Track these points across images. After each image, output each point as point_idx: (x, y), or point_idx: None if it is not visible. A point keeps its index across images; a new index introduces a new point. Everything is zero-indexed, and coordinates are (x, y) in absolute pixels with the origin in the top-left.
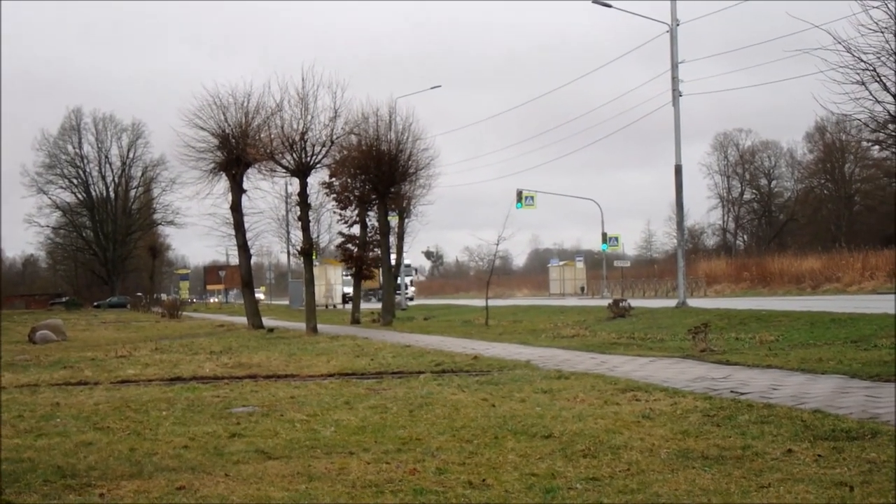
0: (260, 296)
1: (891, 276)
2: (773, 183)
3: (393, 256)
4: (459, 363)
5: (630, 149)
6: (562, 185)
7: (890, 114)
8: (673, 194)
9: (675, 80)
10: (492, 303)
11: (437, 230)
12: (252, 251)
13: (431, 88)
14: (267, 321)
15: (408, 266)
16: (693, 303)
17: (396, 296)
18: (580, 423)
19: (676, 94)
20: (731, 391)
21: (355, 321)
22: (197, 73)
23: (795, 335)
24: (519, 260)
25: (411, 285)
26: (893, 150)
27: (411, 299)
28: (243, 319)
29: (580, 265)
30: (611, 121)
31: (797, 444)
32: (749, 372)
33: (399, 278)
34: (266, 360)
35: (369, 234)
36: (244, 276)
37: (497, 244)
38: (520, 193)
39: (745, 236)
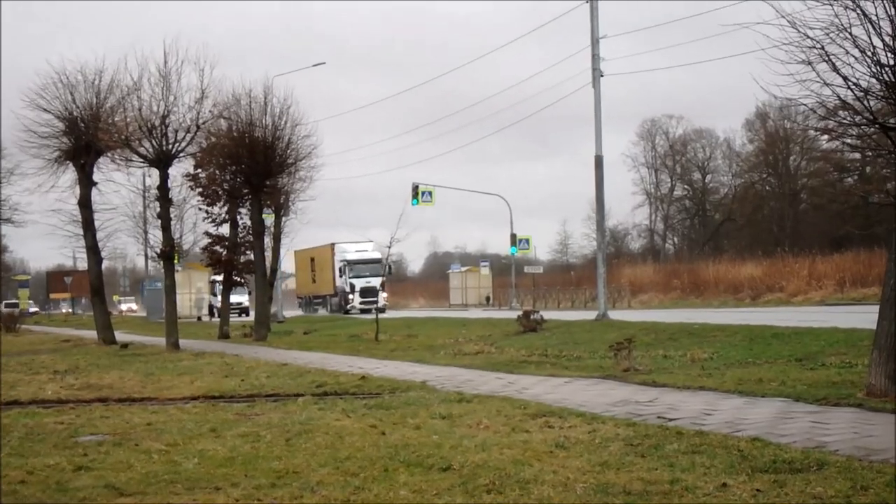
0: (132, 305)
1: (840, 285)
2: (708, 177)
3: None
4: (345, 384)
5: (543, 138)
6: (464, 180)
7: (840, 98)
8: (592, 190)
9: (595, 57)
10: (383, 314)
11: (320, 230)
12: (104, 254)
13: (314, 66)
14: (121, 335)
15: (376, 261)
16: (615, 315)
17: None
18: (484, 454)
19: (597, 73)
20: (658, 416)
21: (224, 336)
22: (41, 47)
23: (732, 352)
24: (415, 265)
25: (382, 290)
26: (844, 140)
27: (382, 310)
28: (93, 333)
29: (485, 271)
30: (520, 106)
31: (733, 478)
32: (679, 394)
33: (274, 285)
34: (119, 381)
35: (241, 235)
36: (94, 282)
37: (389, 247)
38: (416, 188)
39: (676, 239)
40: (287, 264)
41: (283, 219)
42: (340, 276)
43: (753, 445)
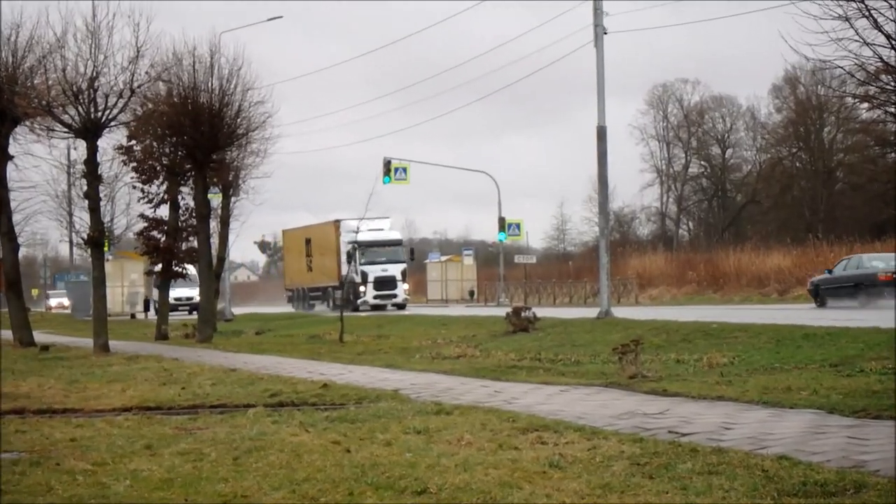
0: (63, 300)
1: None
2: (729, 152)
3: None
4: (303, 393)
5: (537, 107)
6: (445, 155)
7: (882, 60)
8: (594, 167)
9: (597, 11)
10: (350, 311)
11: (276, 213)
12: (21, 240)
13: (269, 20)
14: (41, 336)
15: (395, 244)
16: (620, 312)
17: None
18: (466, 475)
19: (600, 30)
20: (670, 431)
21: (162, 336)
22: None
23: (756, 356)
24: None
25: (403, 281)
26: (886, 108)
27: (403, 307)
28: (8, 333)
29: (469, 261)
30: (510, 69)
31: (756, 502)
32: (693, 405)
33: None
34: (38, 390)
35: (182, 218)
36: (8, 273)
37: (357, 232)
38: (388, 164)
39: (691, 224)
40: (238, 253)
41: (233, 199)
42: (348, 263)
43: (780, 465)
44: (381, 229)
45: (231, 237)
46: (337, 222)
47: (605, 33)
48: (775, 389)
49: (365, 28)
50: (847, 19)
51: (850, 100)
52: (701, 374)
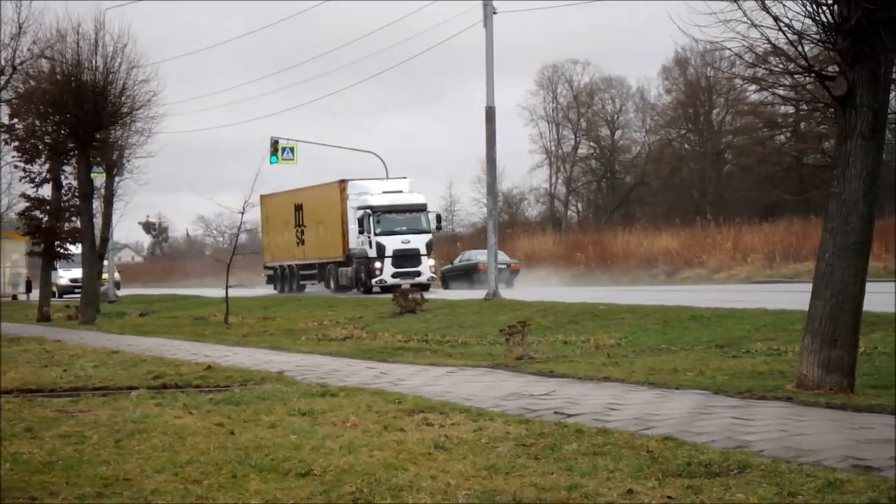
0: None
1: (769, 260)
2: (618, 133)
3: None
4: (187, 375)
5: (425, 87)
6: (333, 135)
7: (771, 42)
8: (483, 147)
9: None
10: (235, 293)
11: (162, 193)
12: None
13: None
14: None
15: (418, 209)
16: (508, 294)
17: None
18: (350, 456)
19: (489, 10)
20: (556, 412)
21: (44, 318)
22: None
23: (643, 337)
24: None
25: (428, 255)
26: (775, 91)
27: (427, 287)
28: None
29: None
30: (398, 48)
31: (641, 483)
32: (580, 386)
33: (107, 258)
34: None
35: (65, 198)
36: None
37: (243, 212)
38: (275, 144)
39: (580, 205)
40: (122, 233)
41: (117, 179)
42: (360, 233)
43: (665, 445)
44: (400, 191)
45: (115, 217)
46: (342, 182)
47: (495, 13)
48: (662, 370)
49: (254, 5)
50: (735, 0)
51: (738, 82)
52: (588, 356)
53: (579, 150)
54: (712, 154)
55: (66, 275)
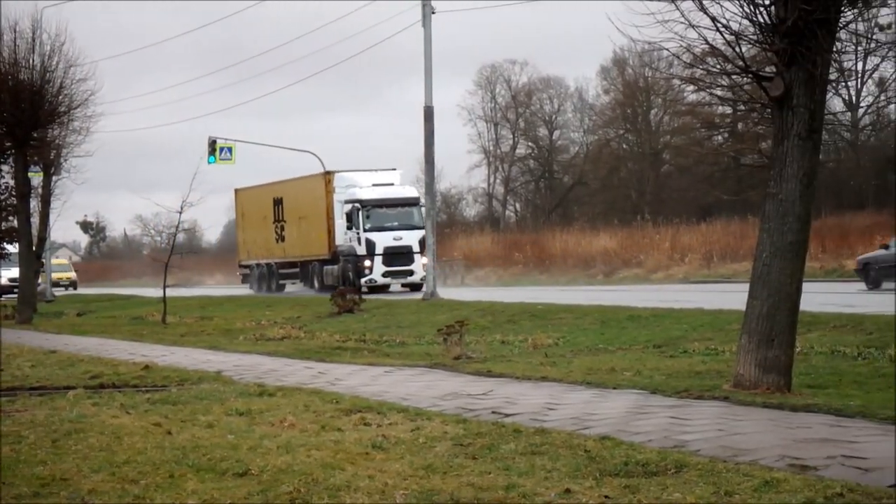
0: None
1: (707, 260)
2: (556, 133)
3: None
4: (125, 375)
5: (363, 85)
6: (271, 134)
7: (708, 43)
8: (421, 147)
9: None
10: (173, 293)
11: (99, 192)
12: None
13: None
14: None
15: (410, 203)
16: (446, 294)
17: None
18: (288, 456)
19: (428, 9)
20: (493, 412)
21: None
22: None
23: (581, 337)
24: (211, 234)
25: (421, 253)
26: (712, 91)
27: (419, 287)
28: None
29: None
30: (337, 48)
31: (578, 482)
32: (518, 386)
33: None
34: None
35: (2, 197)
36: None
37: (181, 212)
38: (213, 144)
39: (518, 205)
40: (59, 233)
41: (54, 178)
42: (349, 229)
43: (603, 445)
44: (391, 183)
45: (52, 217)
46: (328, 174)
47: (433, 13)
48: (599, 370)
49: (192, 5)
50: (673, 1)
51: (676, 82)
52: (526, 355)
53: (517, 150)
54: (650, 154)
55: (6, 274)
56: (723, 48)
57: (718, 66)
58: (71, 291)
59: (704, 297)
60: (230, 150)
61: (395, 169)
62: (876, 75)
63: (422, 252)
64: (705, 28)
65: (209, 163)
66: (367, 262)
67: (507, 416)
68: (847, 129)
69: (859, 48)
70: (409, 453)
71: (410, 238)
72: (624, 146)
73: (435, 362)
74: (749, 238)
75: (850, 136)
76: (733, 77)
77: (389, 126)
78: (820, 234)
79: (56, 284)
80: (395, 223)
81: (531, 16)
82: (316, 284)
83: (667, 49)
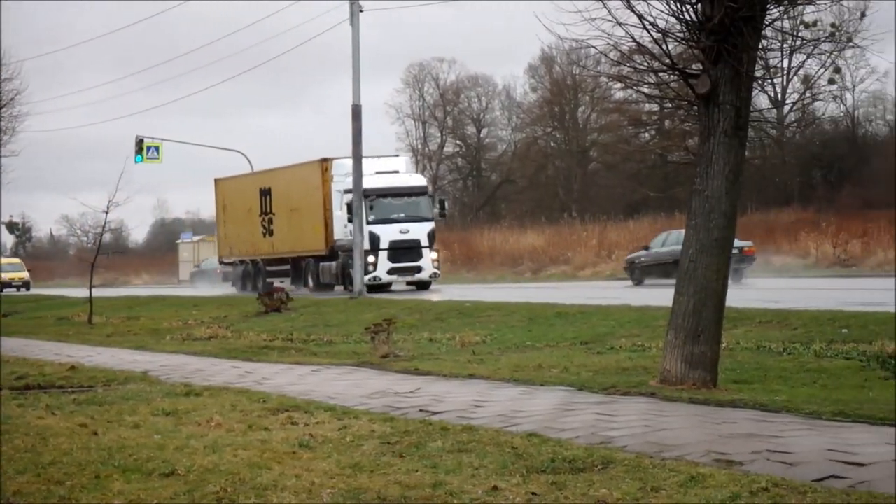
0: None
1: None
2: (484, 131)
3: None
4: (50, 376)
5: (291, 84)
6: (198, 133)
7: (635, 40)
8: (349, 145)
9: None
10: (100, 293)
11: (24, 192)
12: None
13: None
14: None
15: (418, 192)
16: (374, 292)
17: None
18: (214, 456)
19: (356, 7)
20: (421, 410)
21: None
22: None
23: (509, 335)
24: (138, 234)
25: (430, 248)
26: (639, 89)
27: (427, 285)
28: None
29: None
30: (264, 46)
31: (505, 480)
32: (445, 384)
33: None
34: None
35: None
36: None
37: (107, 212)
38: (140, 143)
39: (446, 203)
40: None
41: None
42: (350, 221)
43: (530, 442)
44: (396, 171)
45: None
46: (325, 161)
47: (361, 11)
48: (527, 367)
49: (119, 4)
50: None
51: (604, 80)
52: (454, 353)
53: (445, 148)
54: (578, 152)
55: None
56: (650, 46)
57: (645, 64)
58: (24, 292)
59: (631, 293)
60: (157, 149)
61: (397, 155)
62: (801, 72)
63: (430, 246)
64: (632, 26)
65: (136, 162)
66: (371, 258)
67: (434, 413)
68: (773, 126)
69: (785, 45)
70: (336, 452)
71: (418, 231)
72: (552, 144)
73: (362, 361)
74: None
75: (776, 132)
76: (660, 74)
77: (318, 124)
78: (746, 230)
79: (7, 285)
80: (402, 214)
81: (459, 14)
82: (310, 283)
83: (594, 47)
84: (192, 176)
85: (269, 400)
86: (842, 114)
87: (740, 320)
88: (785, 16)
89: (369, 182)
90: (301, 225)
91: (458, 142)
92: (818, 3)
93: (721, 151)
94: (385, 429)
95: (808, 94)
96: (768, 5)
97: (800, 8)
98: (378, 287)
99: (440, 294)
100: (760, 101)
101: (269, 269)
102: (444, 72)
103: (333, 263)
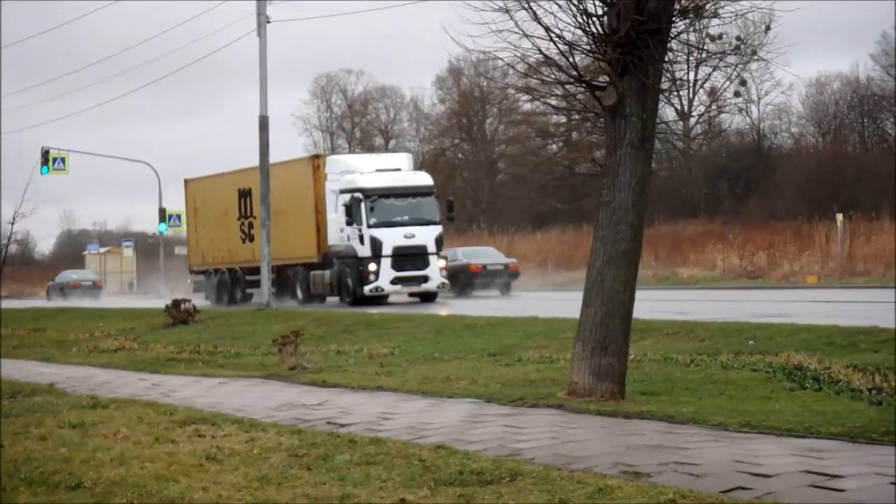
0: None
1: (541, 268)
2: (392, 143)
3: None
4: None
5: (199, 94)
6: (105, 144)
7: (542, 52)
8: (257, 156)
9: (261, 2)
10: (5, 304)
11: None
12: None
13: None
14: None
15: (424, 192)
16: (282, 303)
17: None
18: (121, 469)
19: (263, 18)
20: (328, 422)
21: None
22: None
23: (417, 346)
24: (44, 245)
25: (438, 254)
26: (547, 101)
27: (433, 297)
28: None
29: (129, 252)
30: (175, 56)
31: (413, 492)
32: (353, 396)
33: None
34: None
35: None
36: None
37: (13, 223)
38: (46, 154)
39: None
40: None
41: None
42: (348, 224)
43: (437, 454)
44: (398, 169)
45: None
46: (316, 158)
47: (269, 21)
48: (435, 379)
49: (26, 10)
50: (507, 10)
51: (511, 92)
52: (362, 365)
53: None
54: (486, 163)
55: None
56: (557, 58)
57: (553, 76)
58: None
59: (539, 305)
60: (63, 160)
61: (405, 152)
62: (707, 85)
63: (438, 253)
64: (540, 38)
65: (42, 173)
66: (373, 266)
67: (342, 426)
68: (679, 138)
69: (691, 58)
70: (243, 464)
71: (425, 236)
72: (459, 155)
73: (270, 373)
74: (583, 247)
75: (683, 145)
76: (567, 87)
77: (226, 135)
78: (653, 242)
79: None
80: (406, 217)
81: (367, 25)
82: (299, 294)
83: (501, 59)
84: (100, 187)
85: (177, 412)
86: (747, 126)
87: (648, 332)
88: (691, 29)
89: (369, 181)
90: (288, 229)
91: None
92: (724, 16)
93: (628, 163)
94: (293, 441)
95: (713, 107)
96: (674, 18)
97: (705, 21)
98: (374, 299)
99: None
100: (667, 113)
101: (248, 278)
102: (351, 83)
103: (327, 272)
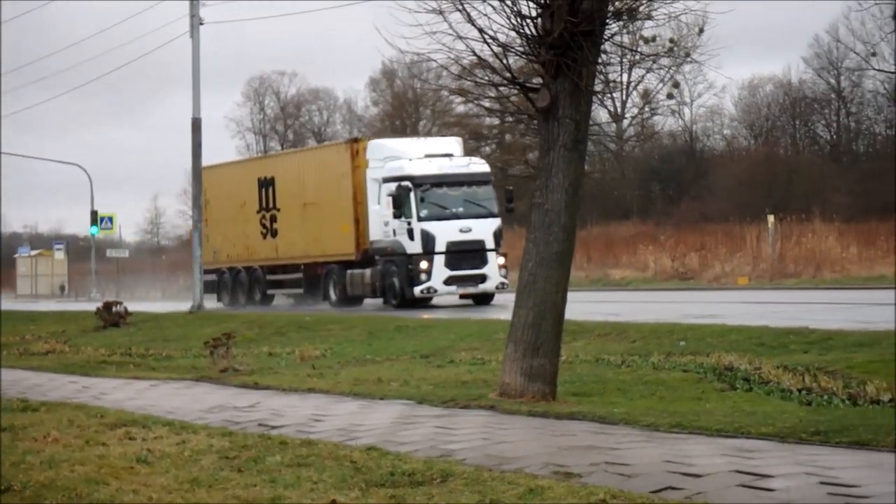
0: None
1: None
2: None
3: None
4: None
5: (130, 97)
6: (35, 146)
7: (476, 54)
8: (189, 159)
9: (193, 2)
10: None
11: None
12: None
13: None
14: None
15: (481, 181)
16: (214, 306)
17: None
18: (51, 472)
19: (196, 20)
20: (260, 424)
21: None
22: None
23: (349, 348)
24: None
25: (497, 251)
26: (480, 102)
27: (489, 298)
28: None
29: (60, 255)
30: (105, 58)
31: (344, 493)
32: (285, 398)
33: None
34: None
35: None
36: None
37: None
38: None
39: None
40: None
41: None
42: (395, 217)
43: (369, 456)
44: (450, 154)
45: None
46: (355, 143)
47: (202, 24)
48: (367, 381)
49: None
50: (441, 13)
51: (445, 93)
52: (293, 367)
53: None
54: None
55: None
56: (490, 60)
57: (486, 78)
58: None
59: (471, 307)
60: None
61: (457, 137)
62: (640, 87)
63: (497, 249)
64: (473, 40)
65: None
66: (424, 264)
67: (273, 428)
68: (612, 140)
69: (624, 60)
70: (174, 467)
71: (482, 230)
72: None
73: (201, 375)
74: (516, 248)
75: (616, 146)
76: (501, 88)
77: (157, 137)
78: (585, 244)
79: None
80: (461, 209)
81: (300, 27)
82: (332, 295)
83: (435, 60)
84: (30, 190)
85: (107, 415)
86: (680, 128)
87: (580, 333)
88: (624, 31)
89: (419, 168)
90: (320, 223)
91: None
92: (657, 18)
93: (561, 165)
94: (224, 443)
95: (647, 109)
96: (608, 20)
97: (639, 23)
98: (417, 301)
99: (281, 308)
100: (600, 115)
101: (270, 277)
102: (284, 85)
103: (367, 271)
